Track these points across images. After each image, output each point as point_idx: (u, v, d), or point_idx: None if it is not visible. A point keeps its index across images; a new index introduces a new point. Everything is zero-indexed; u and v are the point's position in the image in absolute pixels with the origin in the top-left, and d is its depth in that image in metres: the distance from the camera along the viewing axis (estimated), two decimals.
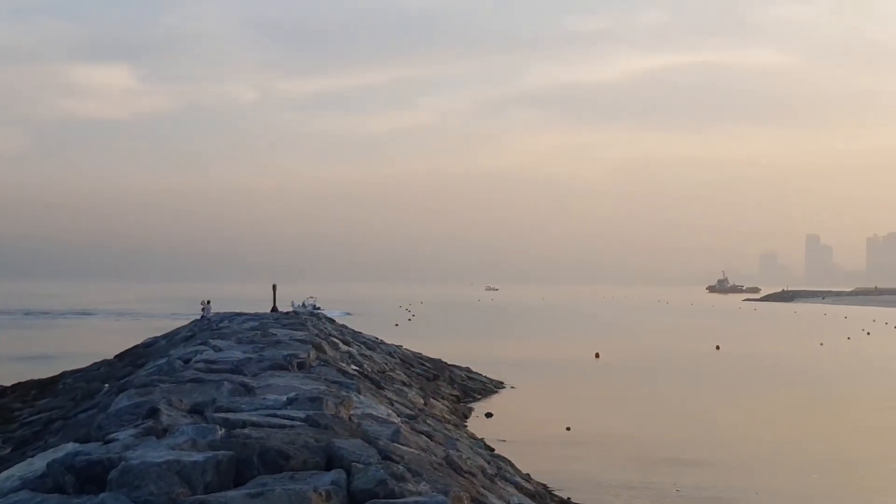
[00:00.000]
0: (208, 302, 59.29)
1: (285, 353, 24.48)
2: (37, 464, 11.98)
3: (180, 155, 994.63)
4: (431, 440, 16.77)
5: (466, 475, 13.56)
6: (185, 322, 59.62)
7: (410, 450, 12.97)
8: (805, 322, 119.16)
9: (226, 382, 17.34)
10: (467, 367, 46.49)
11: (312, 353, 25.66)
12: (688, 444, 28.46)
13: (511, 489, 16.54)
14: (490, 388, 42.19)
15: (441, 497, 10.08)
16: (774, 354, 63.76)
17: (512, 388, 42.72)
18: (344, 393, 17.71)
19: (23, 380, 39.22)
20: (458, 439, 20.07)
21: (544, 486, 20.54)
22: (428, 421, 22.87)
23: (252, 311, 59.64)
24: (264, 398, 16.03)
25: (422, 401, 30.41)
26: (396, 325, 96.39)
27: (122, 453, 10.91)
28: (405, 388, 31.73)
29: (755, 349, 68.31)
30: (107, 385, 26.49)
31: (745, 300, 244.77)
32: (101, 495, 9.67)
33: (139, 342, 48.05)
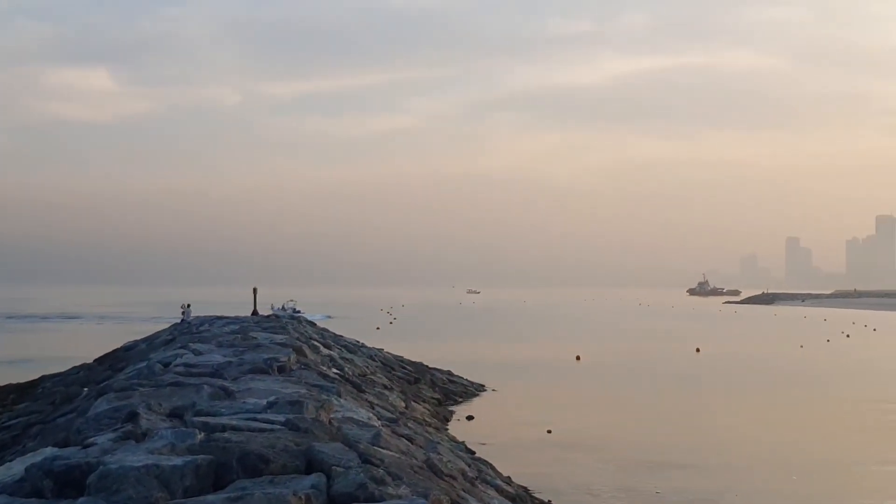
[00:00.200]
0: (188, 305, 59.11)
1: (266, 356, 24.43)
2: (15, 468, 11.93)
3: (162, 158, 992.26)
4: (412, 443, 16.78)
5: (447, 478, 13.56)
6: (167, 325, 59.39)
7: (391, 453, 12.98)
8: (785, 324, 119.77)
9: (205, 386, 17.29)
10: (448, 371, 46.49)
11: (293, 357, 25.62)
12: (668, 447, 28.55)
13: (492, 492, 16.55)
14: (471, 390, 42.21)
15: (421, 500, 10.09)
16: (754, 357, 64.04)
17: (493, 390, 42.75)
18: (324, 396, 17.68)
19: (2, 384, 39.03)
20: (438, 442, 20.06)
21: (525, 489, 20.56)
22: (409, 424, 22.87)
23: (233, 315, 59.47)
24: (244, 402, 16.00)
25: (403, 404, 30.40)
26: (378, 328, 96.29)
27: (100, 458, 10.88)
28: (386, 392, 31.72)
29: (735, 351, 68.59)
30: (86, 389, 26.38)
31: (726, 303, 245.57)
32: (80, 500, 9.65)
33: (119, 346, 47.84)
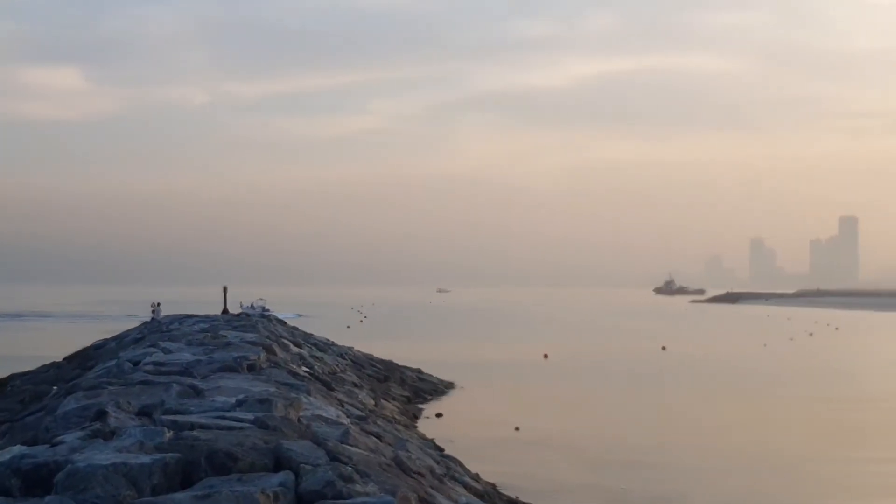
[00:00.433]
0: (158, 304, 58.86)
1: (235, 355, 24.45)
2: None
3: (130, 157, 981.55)
4: (381, 441, 16.89)
5: (415, 475, 13.68)
6: (137, 324, 59.10)
7: (359, 451, 13.08)
8: (749, 323, 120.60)
9: (175, 384, 17.32)
10: (418, 369, 46.58)
11: (263, 355, 25.65)
12: (635, 444, 28.79)
13: (460, 489, 16.67)
14: (440, 388, 42.34)
15: (388, 497, 10.21)
16: (719, 355, 64.56)
17: (462, 388, 42.90)
18: (294, 395, 17.75)
19: None
20: (407, 440, 20.17)
21: (493, 486, 20.69)
22: (378, 422, 22.97)
23: (203, 314, 59.24)
24: (213, 400, 16.06)
25: (372, 402, 30.48)
26: (348, 326, 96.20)
27: (68, 456, 10.91)
28: (356, 390, 31.77)
29: (701, 350, 69.08)
30: (55, 387, 26.26)
31: (691, 302, 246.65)
32: (47, 498, 9.68)
33: (89, 344, 47.57)
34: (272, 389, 18.12)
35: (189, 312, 61.81)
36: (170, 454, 10.73)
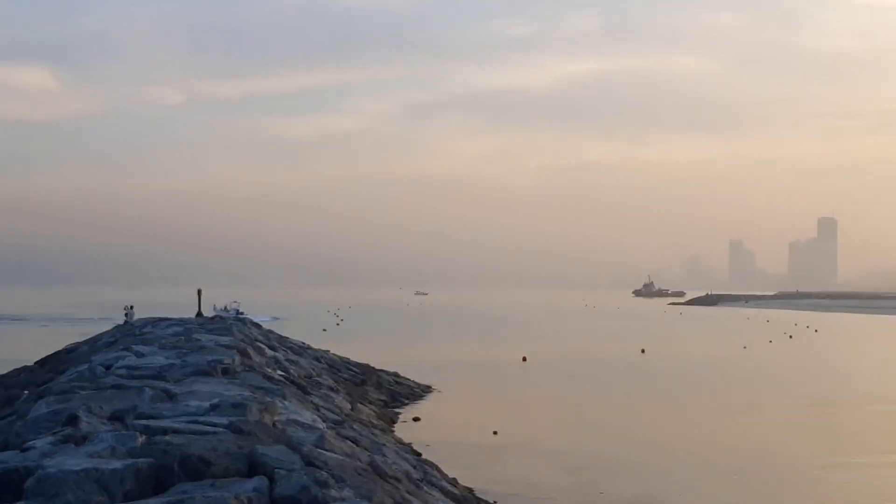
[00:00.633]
0: (132, 307, 58.42)
1: (209, 358, 24.25)
2: None
3: (103, 158, 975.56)
4: (357, 445, 16.76)
5: (391, 480, 13.57)
6: (110, 327, 58.67)
7: (335, 455, 12.96)
8: (728, 326, 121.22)
9: (147, 389, 17.14)
10: (395, 372, 46.46)
11: (237, 359, 25.48)
12: (614, 449, 28.79)
13: (437, 494, 16.57)
14: (418, 392, 42.23)
15: (364, 502, 10.11)
16: (699, 358, 64.77)
17: (440, 392, 42.80)
18: (268, 399, 17.60)
19: None
20: (384, 444, 20.06)
21: (470, 491, 20.59)
22: (354, 426, 22.84)
23: (177, 317, 58.88)
24: (187, 404, 15.90)
25: (349, 406, 30.34)
26: (324, 329, 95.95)
27: (39, 461, 10.78)
28: (332, 394, 31.63)
29: (680, 353, 69.30)
30: (26, 392, 25.97)
31: (671, 304, 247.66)
32: None
33: (62, 348, 47.16)
34: (247, 393, 17.96)
35: (162, 315, 61.43)
36: (142, 459, 10.64)
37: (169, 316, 59.74)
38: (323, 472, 10.90)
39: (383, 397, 38.85)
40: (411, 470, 17.64)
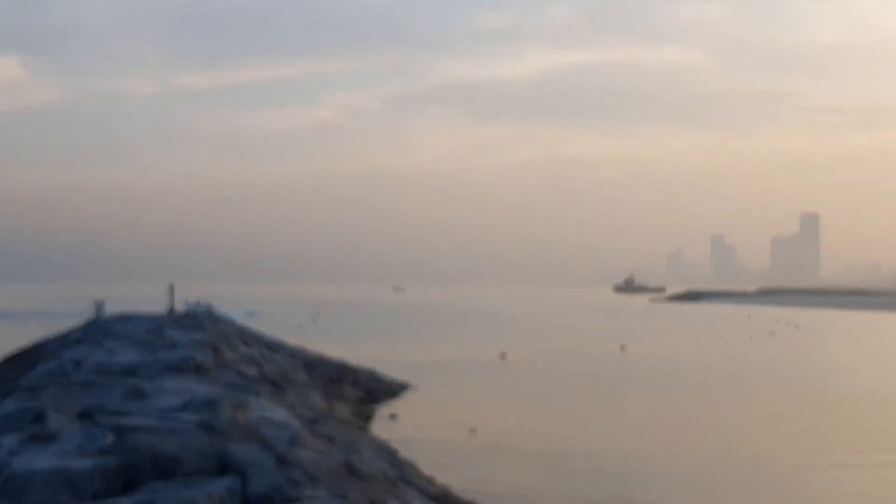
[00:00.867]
0: (102, 302, 57.94)
1: (181, 354, 24.03)
2: None
3: (72, 150, 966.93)
4: (332, 444, 16.55)
5: (367, 479, 13.37)
6: (79, 323, 58.17)
7: (309, 454, 12.77)
8: (709, 322, 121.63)
9: (118, 386, 16.91)
10: (371, 369, 46.23)
11: (210, 356, 25.23)
12: (592, 447, 28.70)
13: (413, 493, 16.38)
14: (394, 389, 42.04)
15: (338, 502, 9.94)
16: (679, 354, 64.86)
17: (417, 389, 42.64)
18: (241, 396, 17.39)
19: None
20: (359, 442, 19.85)
21: (447, 490, 20.42)
22: (329, 424, 22.62)
23: (148, 312, 58.43)
24: (158, 402, 15.67)
25: (324, 403, 30.13)
26: (300, 325, 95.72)
27: (6, 460, 10.64)
28: (307, 391, 31.40)
29: (660, 349, 69.42)
30: None
31: (651, 300, 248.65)
32: None
33: (30, 344, 46.68)
34: (219, 391, 17.74)
35: (134, 311, 60.93)
36: (112, 457, 10.49)
37: (140, 312, 59.30)
38: (297, 471, 10.74)
39: (359, 394, 38.65)
40: (387, 469, 17.45)
